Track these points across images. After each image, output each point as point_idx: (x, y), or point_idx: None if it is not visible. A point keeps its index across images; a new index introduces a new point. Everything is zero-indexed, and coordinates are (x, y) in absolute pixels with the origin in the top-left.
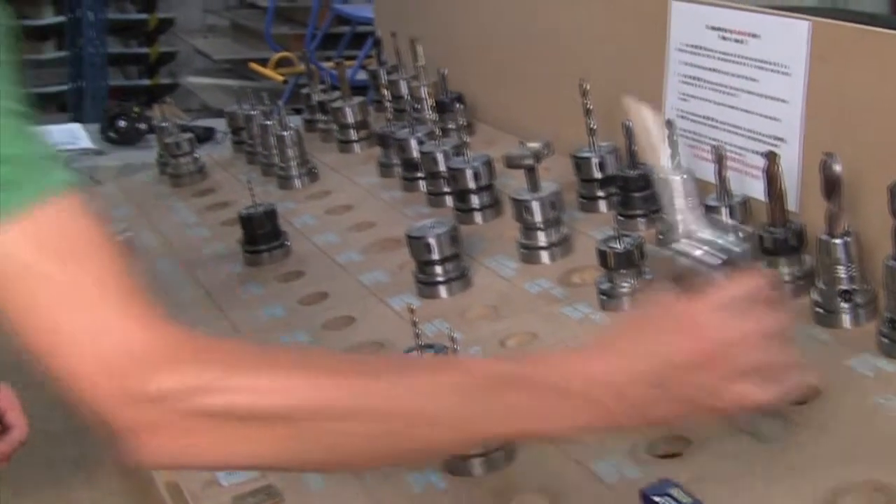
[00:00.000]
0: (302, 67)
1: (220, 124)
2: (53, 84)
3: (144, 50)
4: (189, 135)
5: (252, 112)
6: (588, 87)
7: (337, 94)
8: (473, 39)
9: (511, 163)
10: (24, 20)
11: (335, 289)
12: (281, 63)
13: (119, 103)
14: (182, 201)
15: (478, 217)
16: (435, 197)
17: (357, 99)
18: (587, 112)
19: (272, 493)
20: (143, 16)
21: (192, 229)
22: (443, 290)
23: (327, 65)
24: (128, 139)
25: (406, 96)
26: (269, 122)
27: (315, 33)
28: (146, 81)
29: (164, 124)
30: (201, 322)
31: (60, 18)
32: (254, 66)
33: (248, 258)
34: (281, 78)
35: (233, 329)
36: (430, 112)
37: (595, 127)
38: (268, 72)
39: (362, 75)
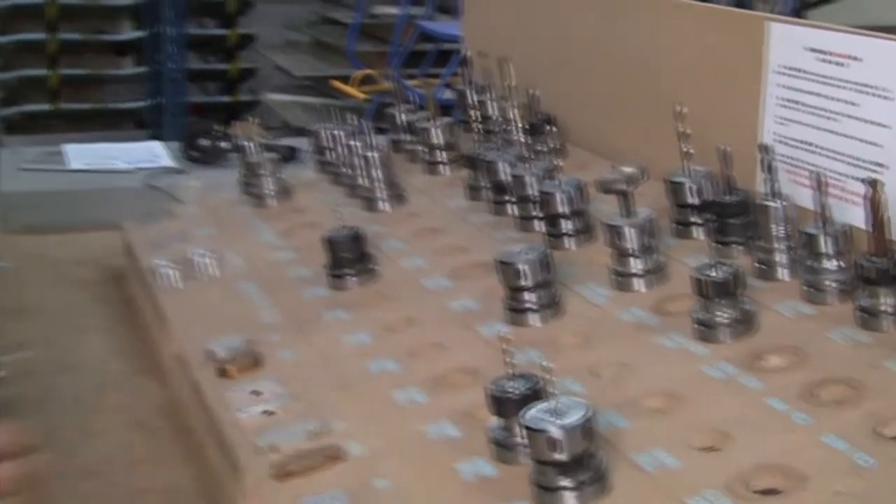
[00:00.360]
0: (385, 85)
1: (302, 143)
2: (132, 100)
3: (224, 66)
4: (273, 154)
5: (337, 132)
6: (683, 111)
7: (423, 113)
8: (564, 60)
9: (604, 187)
10: (103, 35)
11: (423, 315)
12: (363, 81)
13: (200, 121)
14: (265, 222)
15: (569, 242)
16: (525, 221)
17: (445, 120)
18: (682, 136)
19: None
20: (223, 31)
21: (276, 251)
22: (533, 318)
23: (411, 83)
24: (210, 158)
25: (495, 117)
26: (355, 143)
27: (399, 51)
28: (225, 98)
29: (247, 143)
30: (284, 347)
31: (140, 34)
32: (335, 83)
33: (334, 282)
34: (363, 96)
35: (318, 355)
36: (520, 134)
37: (690, 151)
38: (350, 89)
39: (447, 94)
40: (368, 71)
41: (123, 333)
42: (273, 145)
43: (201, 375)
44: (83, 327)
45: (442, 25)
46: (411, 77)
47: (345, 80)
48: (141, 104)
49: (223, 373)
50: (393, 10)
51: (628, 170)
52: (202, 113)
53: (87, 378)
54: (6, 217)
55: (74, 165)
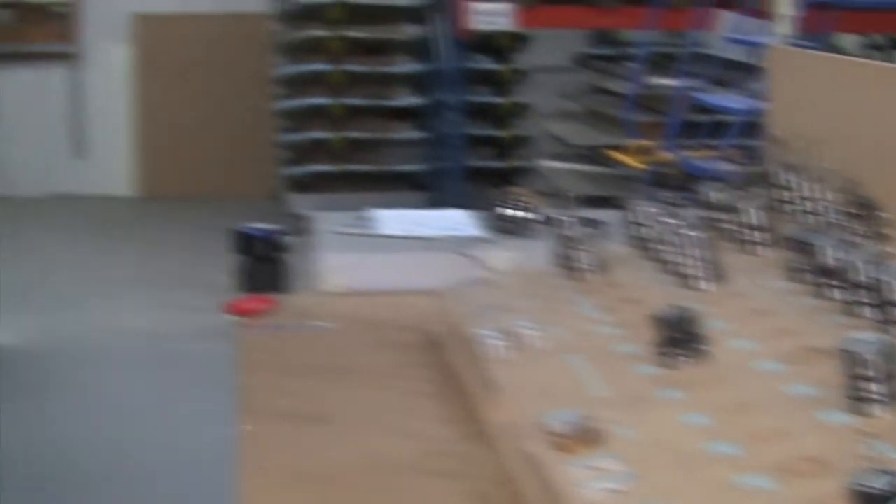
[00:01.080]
0: (662, 155)
1: (603, 215)
2: (408, 162)
3: (499, 132)
4: (587, 228)
5: (649, 208)
6: None
7: (729, 191)
8: (881, 143)
9: None
10: (384, 101)
11: (758, 399)
12: (639, 150)
13: (506, 191)
14: (584, 296)
15: None
16: (853, 307)
17: (760, 199)
18: None
19: None
20: (499, 99)
21: (599, 326)
22: (878, 408)
23: (689, 154)
24: (516, 228)
25: (813, 199)
26: (671, 220)
27: (675, 122)
28: (500, 163)
29: (560, 216)
30: (619, 423)
31: (419, 100)
32: (612, 152)
33: (664, 360)
34: (641, 166)
35: (654, 434)
36: (841, 217)
37: None
38: (629, 160)
39: (724, 166)
40: (645, 142)
41: (447, 399)
42: (583, 218)
43: (535, 447)
44: (406, 391)
45: (717, 98)
46: (681, 148)
47: (618, 148)
48: (420, 167)
49: (561, 446)
50: (667, 82)
51: None
52: (478, 178)
53: (418, 443)
54: (325, 279)
55: (385, 231)
